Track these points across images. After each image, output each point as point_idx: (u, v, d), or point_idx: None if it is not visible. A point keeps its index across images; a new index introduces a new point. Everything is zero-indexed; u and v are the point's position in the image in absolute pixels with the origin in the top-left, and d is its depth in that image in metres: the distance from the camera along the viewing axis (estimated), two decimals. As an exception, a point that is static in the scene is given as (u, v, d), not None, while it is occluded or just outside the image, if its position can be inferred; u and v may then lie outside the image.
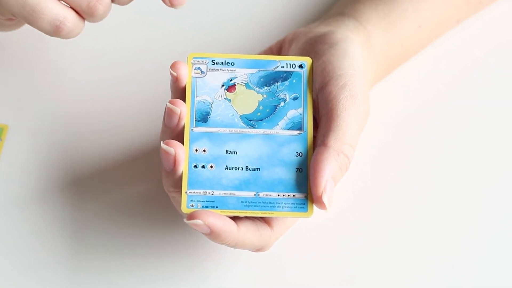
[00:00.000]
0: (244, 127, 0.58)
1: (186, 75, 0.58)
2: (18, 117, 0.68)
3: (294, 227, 0.62)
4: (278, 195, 0.57)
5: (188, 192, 0.57)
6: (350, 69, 0.59)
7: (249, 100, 0.59)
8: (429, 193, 0.66)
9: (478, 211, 0.65)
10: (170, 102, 0.57)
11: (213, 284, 0.63)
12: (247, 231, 0.57)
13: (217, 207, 0.57)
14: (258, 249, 0.59)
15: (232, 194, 0.57)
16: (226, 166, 0.57)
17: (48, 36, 0.71)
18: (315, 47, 0.61)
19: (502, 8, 0.73)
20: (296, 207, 0.57)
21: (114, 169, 0.67)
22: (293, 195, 0.57)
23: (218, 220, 0.55)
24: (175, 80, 0.58)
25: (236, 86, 0.59)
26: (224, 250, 0.63)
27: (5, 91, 0.69)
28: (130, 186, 0.66)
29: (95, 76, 0.70)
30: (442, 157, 0.67)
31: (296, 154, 0.58)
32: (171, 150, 0.56)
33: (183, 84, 0.58)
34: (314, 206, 0.57)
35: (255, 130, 0.58)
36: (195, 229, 0.56)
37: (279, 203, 0.57)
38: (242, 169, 0.57)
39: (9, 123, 0.68)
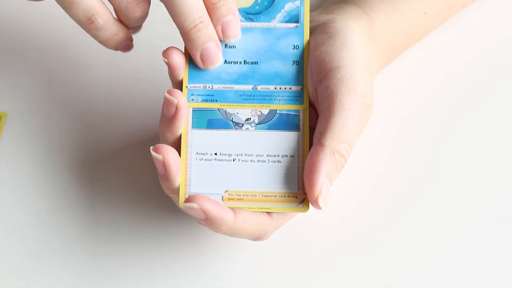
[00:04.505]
0: (243, 21, 0.60)
1: (182, 65, 0.58)
2: (16, 104, 0.68)
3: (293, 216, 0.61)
4: (275, 88, 0.59)
5: (188, 86, 0.59)
6: (348, 60, 0.58)
7: (248, -7, 0.60)
8: (430, 187, 0.65)
9: (480, 208, 0.64)
10: (168, 92, 0.56)
11: (215, 274, 0.63)
12: (244, 220, 0.56)
13: (216, 100, 0.59)
14: (257, 238, 0.59)
15: (231, 88, 0.59)
16: (225, 60, 0.59)
17: (47, 23, 0.70)
18: (314, 36, 0.60)
19: None
20: (292, 99, 0.58)
21: (114, 157, 0.66)
22: (289, 88, 0.59)
23: (214, 206, 0.55)
24: (170, 72, 0.58)
25: None
26: (226, 240, 0.63)
27: (4, 78, 0.69)
28: (131, 174, 0.66)
29: (95, 64, 0.69)
30: (443, 151, 0.66)
31: (293, 47, 0.59)
32: (160, 156, 0.56)
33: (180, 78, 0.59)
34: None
35: (253, 24, 0.60)
36: (191, 214, 0.55)
37: (275, 96, 0.58)
38: (240, 63, 0.59)
39: (8, 111, 0.68)
